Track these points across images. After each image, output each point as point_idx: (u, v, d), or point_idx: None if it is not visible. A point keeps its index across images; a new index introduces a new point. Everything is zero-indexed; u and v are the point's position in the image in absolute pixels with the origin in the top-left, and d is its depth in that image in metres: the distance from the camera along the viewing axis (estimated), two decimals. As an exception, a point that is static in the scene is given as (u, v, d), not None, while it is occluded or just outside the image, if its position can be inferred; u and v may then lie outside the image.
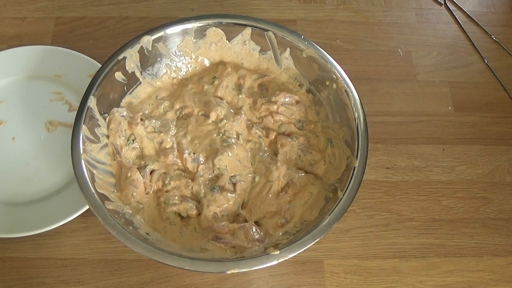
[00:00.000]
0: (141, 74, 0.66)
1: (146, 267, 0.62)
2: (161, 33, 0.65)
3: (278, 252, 0.51)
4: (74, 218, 0.61)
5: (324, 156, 0.63)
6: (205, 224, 0.58)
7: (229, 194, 0.59)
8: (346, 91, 0.62)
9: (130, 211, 0.58)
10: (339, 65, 0.64)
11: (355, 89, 0.62)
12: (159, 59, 0.67)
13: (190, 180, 0.61)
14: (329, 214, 0.54)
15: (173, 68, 0.69)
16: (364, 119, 0.60)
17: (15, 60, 0.73)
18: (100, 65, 0.63)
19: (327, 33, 0.83)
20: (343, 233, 0.66)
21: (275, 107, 0.66)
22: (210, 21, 0.67)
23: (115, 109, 0.63)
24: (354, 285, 0.63)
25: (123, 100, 0.65)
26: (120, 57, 0.62)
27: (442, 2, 0.89)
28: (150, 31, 0.65)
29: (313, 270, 0.63)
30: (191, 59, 0.70)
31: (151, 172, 0.61)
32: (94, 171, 0.57)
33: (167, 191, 0.60)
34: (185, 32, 0.67)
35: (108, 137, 0.62)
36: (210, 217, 0.58)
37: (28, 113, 0.71)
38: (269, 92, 0.68)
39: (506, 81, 0.80)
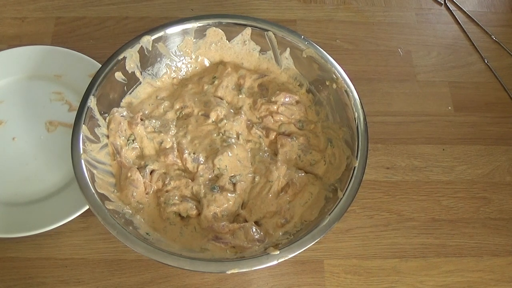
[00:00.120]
0: (141, 74, 0.66)
1: (146, 267, 0.62)
2: (161, 33, 0.65)
3: (278, 252, 0.51)
4: (74, 218, 0.61)
5: (324, 156, 0.63)
6: (205, 224, 0.58)
7: (229, 194, 0.59)
8: (346, 91, 0.62)
9: (130, 211, 0.58)
10: (339, 65, 0.64)
11: (355, 89, 0.62)
12: (159, 59, 0.67)
13: (190, 180, 0.61)
14: (329, 214, 0.54)
15: (173, 68, 0.69)
16: (364, 119, 0.60)
17: (15, 60, 0.73)
18: (100, 65, 0.63)
19: (327, 33, 0.83)
20: (343, 233, 0.66)
21: (275, 107, 0.66)
22: (210, 21, 0.67)
23: (115, 109, 0.63)
24: (354, 285, 0.63)
25: (123, 100, 0.65)
26: (120, 57, 0.62)
27: (442, 2, 0.89)
28: (150, 31, 0.65)
29: (313, 270, 0.63)
30: (191, 59, 0.70)
31: (151, 172, 0.61)
32: (94, 171, 0.57)
33: (167, 191, 0.60)
34: (185, 32, 0.67)
35: (108, 137, 0.62)
36: (210, 217, 0.58)
37: (28, 113, 0.71)
38: (269, 92, 0.68)
39: (506, 81, 0.80)
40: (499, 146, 0.74)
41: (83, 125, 0.58)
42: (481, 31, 0.86)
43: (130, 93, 0.66)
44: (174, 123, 0.65)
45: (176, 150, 0.62)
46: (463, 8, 0.88)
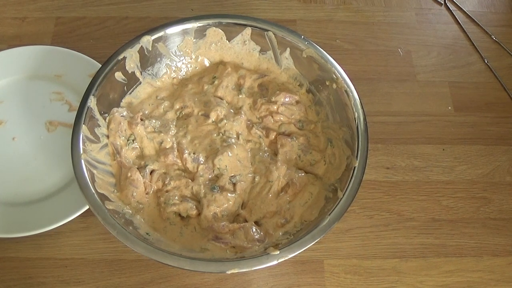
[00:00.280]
0: (141, 74, 0.66)
1: (146, 267, 0.62)
2: (161, 33, 0.65)
3: (278, 252, 0.51)
4: (74, 218, 0.61)
5: (324, 156, 0.63)
6: (205, 224, 0.58)
7: (229, 194, 0.59)
8: (346, 91, 0.62)
9: (130, 211, 0.58)
10: (339, 65, 0.64)
11: (355, 89, 0.62)
12: (159, 59, 0.67)
13: (190, 180, 0.61)
14: (329, 214, 0.54)
15: (173, 68, 0.69)
16: (364, 119, 0.60)
17: (15, 60, 0.73)
18: (100, 65, 0.63)
19: (327, 33, 0.83)
20: (343, 233, 0.66)
21: (275, 107, 0.66)
22: (210, 21, 0.67)
23: (115, 109, 0.63)
24: (354, 285, 0.63)
25: (123, 100, 0.65)
26: (120, 57, 0.62)
27: (442, 2, 0.89)
28: (150, 31, 0.65)
29: (313, 270, 0.63)
30: (191, 59, 0.70)
31: (151, 172, 0.61)
32: (94, 171, 0.57)
33: (167, 191, 0.60)
34: (185, 32, 0.67)
35: (108, 137, 0.62)
36: (210, 217, 0.58)
37: (28, 113, 0.71)
38: (269, 92, 0.68)
39: (506, 81, 0.80)
40: (499, 146, 0.74)
41: (83, 125, 0.58)
42: (481, 31, 0.86)
43: (130, 93, 0.66)
44: (174, 123, 0.65)
45: (176, 150, 0.62)
46: (463, 8, 0.88)
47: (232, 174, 0.61)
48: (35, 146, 0.68)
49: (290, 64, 0.68)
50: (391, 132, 0.74)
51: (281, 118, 0.66)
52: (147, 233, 0.56)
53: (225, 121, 0.64)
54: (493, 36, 0.85)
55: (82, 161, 0.56)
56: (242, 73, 0.69)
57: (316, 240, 0.52)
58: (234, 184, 0.61)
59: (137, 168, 0.60)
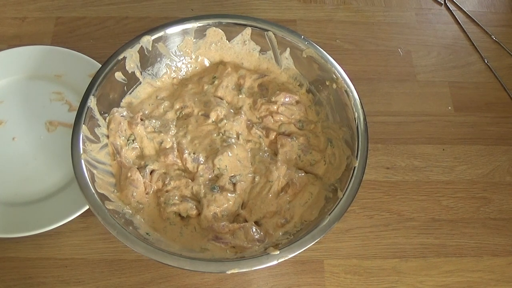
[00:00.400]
0: (141, 74, 0.66)
1: (146, 267, 0.62)
2: (161, 33, 0.65)
3: (278, 252, 0.51)
4: (74, 218, 0.61)
5: (324, 156, 0.63)
6: (205, 224, 0.58)
7: (229, 194, 0.59)
8: (346, 91, 0.62)
9: (130, 211, 0.58)
10: (339, 65, 0.64)
11: (355, 89, 0.62)
12: (159, 59, 0.67)
13: (190, 180, 0.61)
14: (329, 214, 0.54)
15: (173, 68, 0.69)
16: (364, 119, 0.60)
17: (15, 60, 0.73)
18: (100, 65, 0.63)
19: (327, 33, 0.83)
20: (343, 233, 0.66)
21: (275, 107, 0.66)
22: (210, 21, 0.67)
23: (115, 109, 0.63)
24: (354, 285, 0.63)
25: (123, 100, 0.65)
26: (120, 57, 0.62)
27: (442, 2, 0.89)
28: (150, 31, 0.65)
29: (313, 270, 0.63)
30: (191, 59, 0.70)
31: (151, 172, 0.61)
32: (94, 171, 0.57)
33: (167, 191, 0.60)
34: (185, 32, 0.67)
35: (108, 137, 0.62)
36: (210, 217, 0.58)
37: (28, 113, 0.71)
38: (269, 92, 0.68)
39: (506, 81, 0.80)
40: (499, 146, 0.74)
41: (83, 125, 0.58)
42: (481, 31, 0.86)
43: (130, 93, 0.66)
44: (174, 123, 0.65)
45: (176, 150, 0.62)
46: (463, 8, 0.88)
47: (232, 174, 0.61)
48: (35, 146, 0.68)
49: (290, 64, 0.68)
50: (391, 132, 0.74)
51: (281, 118, 0.66)
52: (147, 233, 0.56)
53: (225, 121, 0.64)
54: (493, 36, 0.85)
55: (82, 161, 0.56)
56: (242, 73, 0.69)
57: (316, 240, 0.52)
58: (234, 184, 0.61)
59: (137, 168, 0.60)
